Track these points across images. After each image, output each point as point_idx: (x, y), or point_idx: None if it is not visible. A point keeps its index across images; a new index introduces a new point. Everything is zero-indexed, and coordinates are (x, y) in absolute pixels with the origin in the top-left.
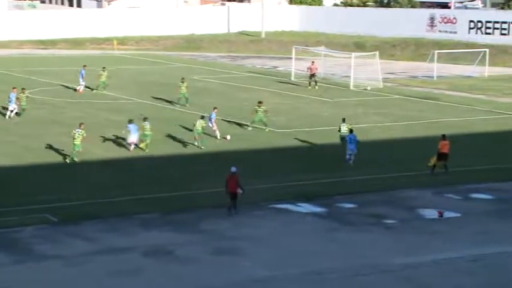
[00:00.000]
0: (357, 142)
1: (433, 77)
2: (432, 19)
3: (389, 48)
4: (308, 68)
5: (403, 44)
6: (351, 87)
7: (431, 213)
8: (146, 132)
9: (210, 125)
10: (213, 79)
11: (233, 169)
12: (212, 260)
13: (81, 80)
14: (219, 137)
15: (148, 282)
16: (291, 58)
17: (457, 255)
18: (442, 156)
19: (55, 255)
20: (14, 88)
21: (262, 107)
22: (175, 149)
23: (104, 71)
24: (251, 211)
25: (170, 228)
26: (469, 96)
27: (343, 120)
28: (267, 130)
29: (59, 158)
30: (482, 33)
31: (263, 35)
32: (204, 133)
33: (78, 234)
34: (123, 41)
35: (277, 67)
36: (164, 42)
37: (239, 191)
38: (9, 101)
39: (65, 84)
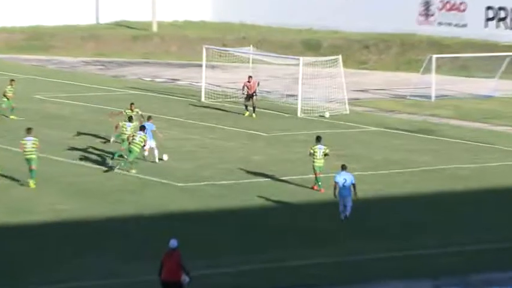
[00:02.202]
0: (353, 185)
1: (430, 98)
2: (427, 4)
3: (360, 50)
4: (243, 86)
5: (381, 43)
6: (299, 114)
7: None
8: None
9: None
10: (70, 100)
11: (173, 243)
12: None
13: None
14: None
15: None
16: (200, 66)
17: None
18: None
19: None
20: None
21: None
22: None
23: (11, 84)
24: None
25: None
26: (486, 128)
27: (318, 140)
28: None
29: None
30: (506, 27)
31: (154, 28)
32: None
33: None
34: None
35: (177, 80)
36: None
37: (184, 279)
38: None
39: None
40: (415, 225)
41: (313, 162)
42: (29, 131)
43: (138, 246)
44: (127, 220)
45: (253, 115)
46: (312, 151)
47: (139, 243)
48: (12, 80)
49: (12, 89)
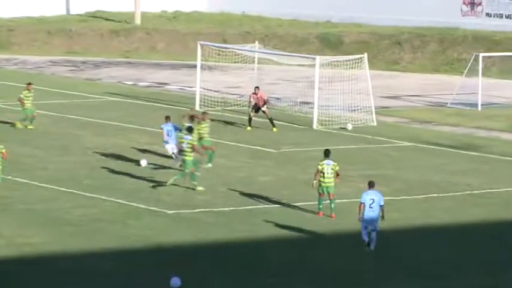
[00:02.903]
0: (381, 206)
1: (476, 106)
2: None
3: (390, 47)
4: (250, 99)
5: (416, 39)
6: (315, 126)
7: None
8: None
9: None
10: (35, 108)
11: (176, 282)
12: None
13: None
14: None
15: None
16: (193, 66)
17: None
18: None
19: None
20: None
21: None
22: None
23: (29, 89)
24: None
25: None
26: None
27: (326, 154)
28: None
29: None
30: None
31: (138, 21)
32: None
33: None
34: None
35: (165, 84)
36: None
37: None
38: None
39: None
40: (458, 262)
41: (321, 182)
42: None
43: None
44: (105, 256)
45: (274, 129)
46: (320, 167)
47: (121, 284)
48: (30, 84)
49: (30, 94)
